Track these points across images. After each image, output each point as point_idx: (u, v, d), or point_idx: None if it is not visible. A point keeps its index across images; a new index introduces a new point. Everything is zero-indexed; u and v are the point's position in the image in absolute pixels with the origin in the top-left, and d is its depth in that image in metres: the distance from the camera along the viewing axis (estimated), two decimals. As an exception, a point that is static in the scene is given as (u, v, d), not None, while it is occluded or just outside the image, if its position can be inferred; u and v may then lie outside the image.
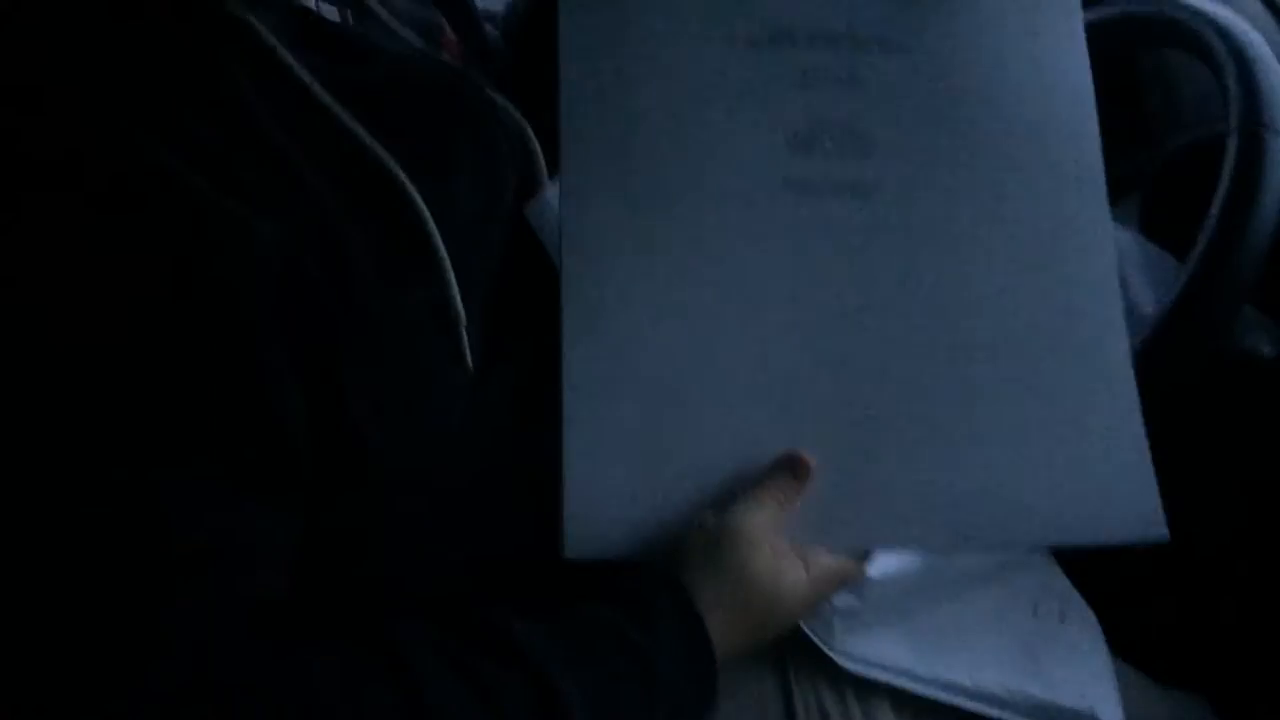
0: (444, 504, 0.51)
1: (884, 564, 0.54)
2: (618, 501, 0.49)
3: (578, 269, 0.51)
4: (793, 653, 0.55)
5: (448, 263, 0.50)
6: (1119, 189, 0.77)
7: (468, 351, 0.50)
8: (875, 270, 0.51)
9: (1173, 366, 0.65)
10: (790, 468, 0.49)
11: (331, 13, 0.55)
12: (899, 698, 0.56)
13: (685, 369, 0.51)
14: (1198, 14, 0.74)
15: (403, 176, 0.50)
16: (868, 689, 0.56)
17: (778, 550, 0.48)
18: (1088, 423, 0.51)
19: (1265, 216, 0.63)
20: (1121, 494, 0.50)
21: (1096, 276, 0.52)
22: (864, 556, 0.52)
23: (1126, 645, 0.65)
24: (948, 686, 0.56)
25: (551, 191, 0.60)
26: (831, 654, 0.54)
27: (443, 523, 0.52)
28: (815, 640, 0.54)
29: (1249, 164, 0.63)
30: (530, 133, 0.62)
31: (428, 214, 0.50)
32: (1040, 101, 0.53)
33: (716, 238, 0.52)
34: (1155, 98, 1.00)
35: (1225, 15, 0.73)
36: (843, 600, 0.54)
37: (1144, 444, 0.51)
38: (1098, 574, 0.63)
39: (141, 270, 0.41)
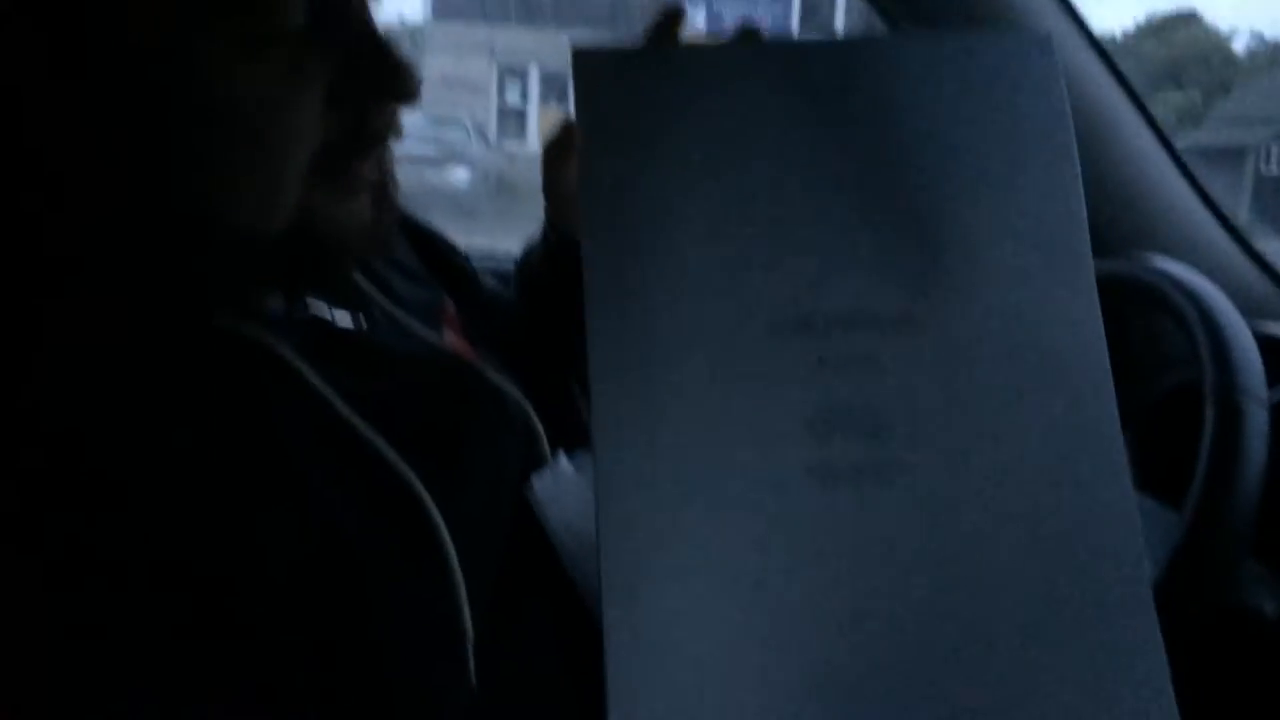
0: None
1: None
2: None
3: (615, 559, 0.52)
4: None
5: (459, 575, 0.51)
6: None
7: (472, 671, 0.51)
8: (899, 554, 0.51)
9: (1173, 626, 0.65)
10: None
11: (344, 318, 0.60)
12: None
13: (721, 668, 0.50)
14: (1165, 276, 0.79)
15: (418, 484, 0.51)
16: None
17: None
18: (1117, 703, 0.49)
19: (1249, 479, 0.64)
20: None
21: (1121, 545, 0.51)
22: None
23: None
24: None
25: (548, 472, 0.62)
26: None
27: None
28: None
29: (1228, 430, 0.65)
30: (531, 412, 0.65)
31: (443, 528, 0.51)
32: (1056, 365, 0.54)
33: (743, 529, 0.52)
34: (1139, 338, 1.04)
35: (1193, 279, 0.77)
36: None
37: (1175, 715, 0.49)
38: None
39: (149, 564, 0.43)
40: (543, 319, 0.81)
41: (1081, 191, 0.55)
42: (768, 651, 0.51)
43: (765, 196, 0.57)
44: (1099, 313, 0.54)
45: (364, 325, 0.60)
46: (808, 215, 0.56)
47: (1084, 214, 0.55)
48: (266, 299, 0.55)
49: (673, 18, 0.65)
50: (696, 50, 0.59)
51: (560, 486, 0.61)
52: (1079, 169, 0.55)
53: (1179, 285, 0.76)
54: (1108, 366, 0.53)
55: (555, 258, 0.79)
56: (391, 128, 0.54)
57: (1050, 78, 0.56)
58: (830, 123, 0.57)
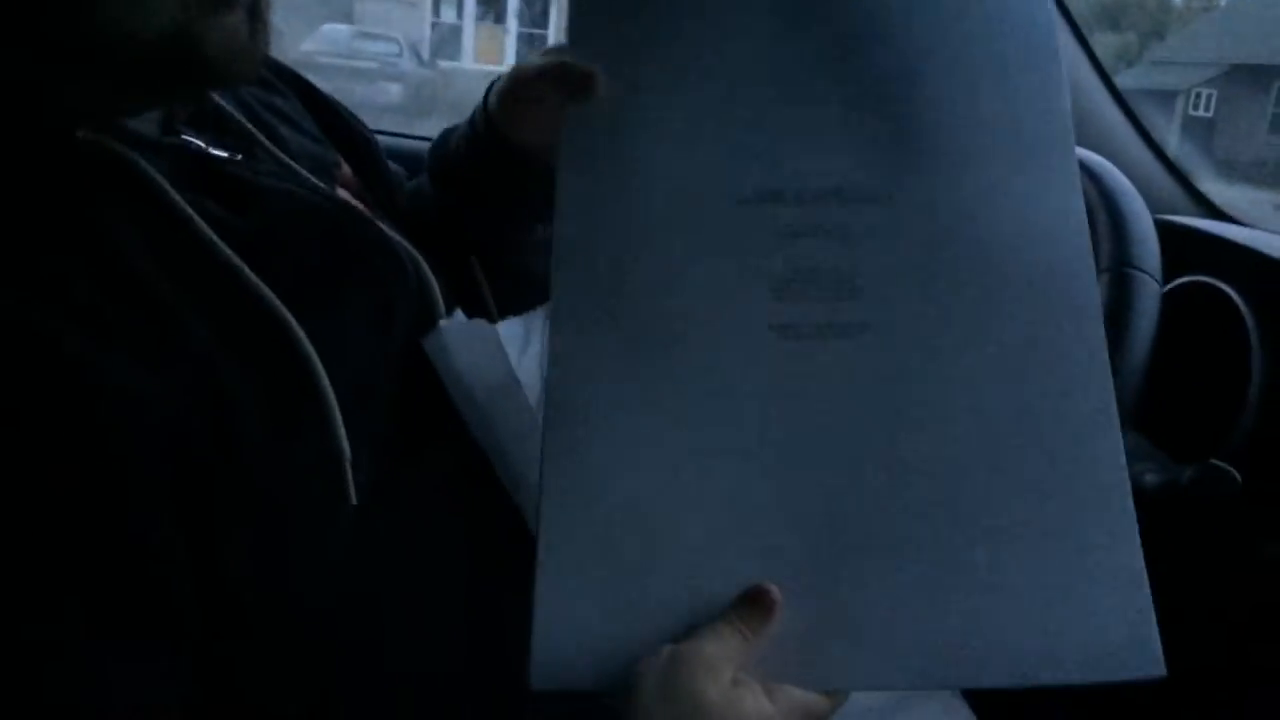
0: (341, 635, 0.52)
1: None
2: (586, 636, 0.49)
3: (561, 403, 0.53)
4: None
5: (335, 406, 0.51)
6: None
7: (351, 486, 0.51)
8: (859, 408, 0.52)
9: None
10: (756, 600, 0.49)
11: (221, 153, 0.57)
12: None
13: (662, 506, 0.51)
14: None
15: (290, 318, 0.51)
16: None
17: (738, 680, 0.47)
18: (1084, 559, 0.50)
19: (1136, 350, 0.66)
20: (1119, 630, 0.49)
21: (1094, 409, 0.52)
22: (838, 694, 0.50)
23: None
24: None
25: (448, 324, 0.61)
26: None
27: (350, 655, 0.52)
28: None
29: (1119, 299, 0.67)
30: (424, 265, 0.64)
31: (315, 356, 0.51)
32: (1030, 238, 0.55)
33: (700, 379, 0.53)
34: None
35: (1097, 162, 0.79)
36: None
37: (1144, 580, 0.50)
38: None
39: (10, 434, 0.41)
40: (450, 198, 0.79)
41: (1066, 89, 0.56)
42: (709, 500, 0.51)
43: (743, 85, 0.59)
44: (1081, 196, 0.55)
45: (239, 158, 0.58)
46: (782, 101, 0.58)
47: (1068, 108, 0.56)
48: (135, 118, 0.53)
49: None
50: None
51: (459, 339, 0.61)
52: (1063, 67, 0.57)
53: (1084, 167, 0.78)
54: (1088, 243, 0.54)
55: (479, 143, 0.78)
56: None
57: None
58: (812, 16, 0.59)
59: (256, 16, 0.52)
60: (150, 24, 0.47)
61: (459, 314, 0.64)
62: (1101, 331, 0.53)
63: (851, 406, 0.52)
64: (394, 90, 9.82)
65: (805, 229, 0.56)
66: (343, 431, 0.51)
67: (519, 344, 0.62)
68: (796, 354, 0.53)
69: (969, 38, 0.58)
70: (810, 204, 0.56)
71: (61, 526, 0.41)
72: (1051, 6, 0.58)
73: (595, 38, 0.61)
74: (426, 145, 0.83)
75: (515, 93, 0.71)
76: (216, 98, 0.60)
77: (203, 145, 0.56)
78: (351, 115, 0.78)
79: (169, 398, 0.45)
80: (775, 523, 0.51)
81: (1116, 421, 0.52)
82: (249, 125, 0.60)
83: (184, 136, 0.55)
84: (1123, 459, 0.51)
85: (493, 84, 0.74)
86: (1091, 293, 0.53)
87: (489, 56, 13.14)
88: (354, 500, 0.51)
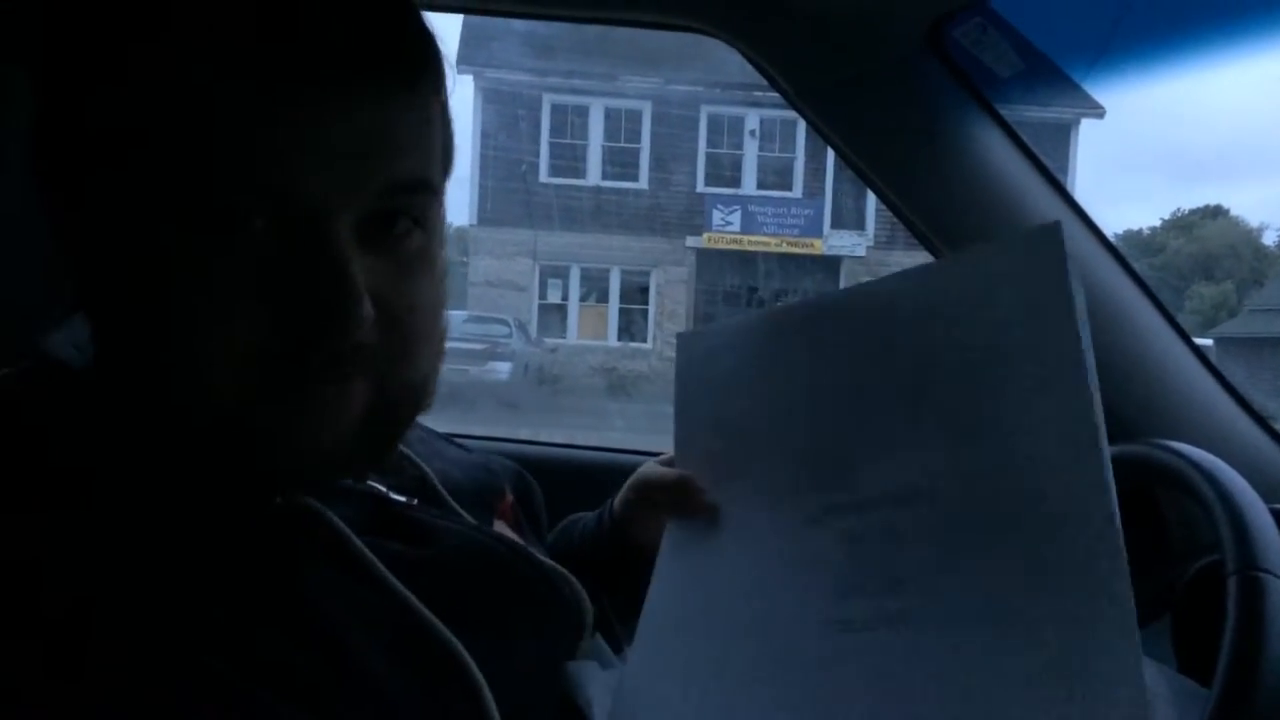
0: None
1: None
2: None
3: (631, 693, 0.63)
4: None
5: None
6: (1149, 610, 0.80)
7: None
8: (910, 694, 0.56)
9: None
10: None
11: (399, 497, 0.64)
12: None
13: None
14: (1184, 458, 0.82)
15: (457, 644, 0.55)
16: None
17: None
18: None
19: (1274, 651, 0.66)
20: None
21: (1125, 695, 0.52)
22: None
23: None
24: None
25: (586, 657, 0.66)
26: None
27: None
28: None
29: (1249, 605, 0.68)
30: (579, 587, 0.69)
31: (483, 682, 0.55)
32: (1065, 520, 0.56)
33: (767, 671, 0.61)
34: (1173, 524, 1.06)
35: (1210, 461, 0.81)
36: None
37: None
38: None
39: None
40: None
41: (1091, 366, 0.58)
42: None
43: (817, 417, 0.69)
44: (1110, 480, 0.55)
45: (417, 504, 0.65)
46: (847, 425, 0.67)
47: (1092, 389, 0.57)
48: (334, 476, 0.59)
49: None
50: (761, 318, 0.75)
51: (598, 668, 0.66)
52: (1087, 344, 0.58)
53: (1197, 467, 0.80)
54: (1118, 528, 0.54)
55: (603, 537, 0.87)
56: (339, 361, 0.53)
57: (1058, 263, 0.60)
58: (871, 348, 0.68)
59: (374, 423, 0.57)
60: (202, 407, 0.52)
61: (599, 640, 0.68)
62: (1132, 609, 0.52)
63: (899, 692, 0.57)
64: (503, 368, 10.36)
65: (860, 535, 0.63)
66: None
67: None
68: (850, 646, 0.59)
69: (1004, 336, 0.61)
70: (866, 511, 0.63)
71: None
72: (1069, 284, 0.59)
73: (697, 454, 0.75)
74: (525, 448, 0.89)
75: (641, 494, 0.82)
76: (401, 446, 0.68)
77: (384, 491, 0.63)
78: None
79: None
80: None
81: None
82: (425, 469, 0.68)
83: (370, 483, 0.62)
84: None
85: (624, 489, 0.86)
86: (1123, 571, 0.53)
87: (592, 332, 13.83)
88: None
